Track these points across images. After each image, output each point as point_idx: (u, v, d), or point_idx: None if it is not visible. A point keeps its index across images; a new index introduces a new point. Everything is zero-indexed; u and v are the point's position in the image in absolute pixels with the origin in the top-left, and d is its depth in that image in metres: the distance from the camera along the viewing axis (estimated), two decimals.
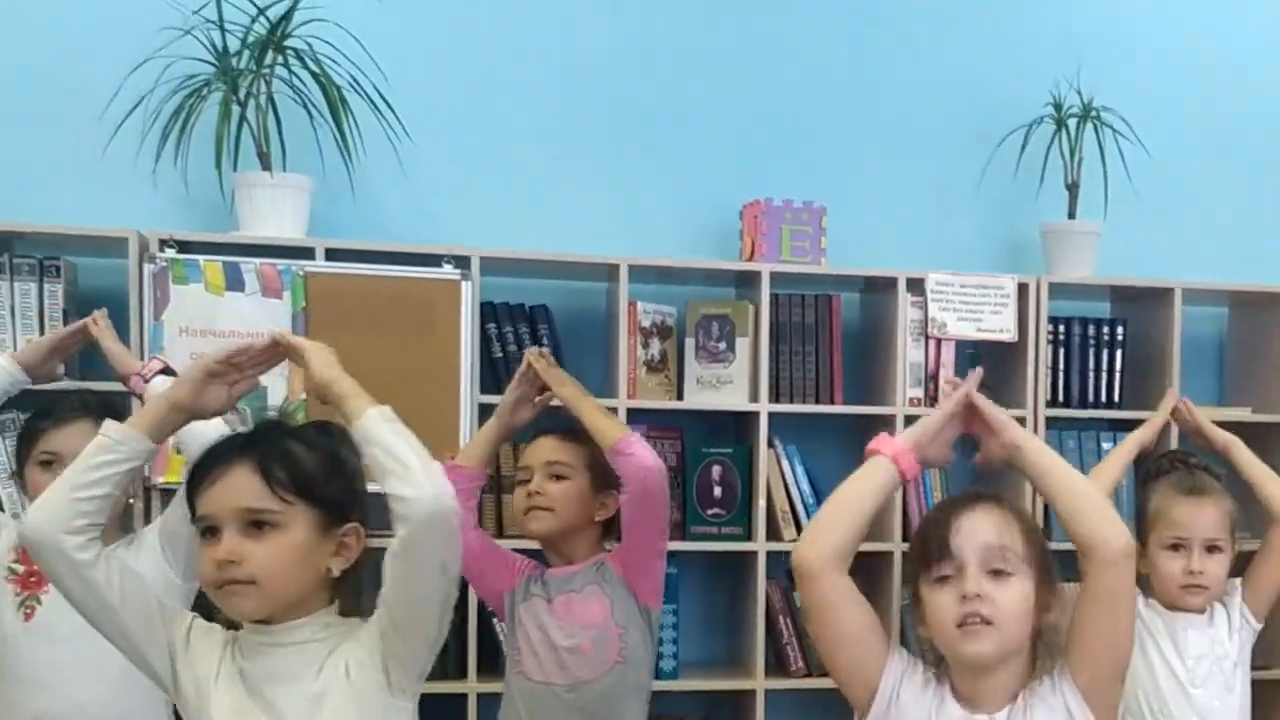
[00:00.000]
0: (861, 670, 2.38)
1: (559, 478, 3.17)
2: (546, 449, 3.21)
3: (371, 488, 2.23)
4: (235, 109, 3.79)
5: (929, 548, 2.38)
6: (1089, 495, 2.38)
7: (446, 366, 3.74)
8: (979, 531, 2.35)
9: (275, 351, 2.33)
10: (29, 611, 2.98)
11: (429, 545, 2.14)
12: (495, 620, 3.72)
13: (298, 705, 2.21)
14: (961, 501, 2.45)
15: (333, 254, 3.81)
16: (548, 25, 4.23)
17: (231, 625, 2.29)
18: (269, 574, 2.18)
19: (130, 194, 3.81)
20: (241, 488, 2.19)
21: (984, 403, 2.45)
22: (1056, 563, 2.42)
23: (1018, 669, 2.37)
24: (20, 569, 2.99)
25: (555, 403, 3.27)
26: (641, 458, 3.09)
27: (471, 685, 3.82)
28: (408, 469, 2.13)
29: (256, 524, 2.18)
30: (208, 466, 2.23)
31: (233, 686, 2.23)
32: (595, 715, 3.12)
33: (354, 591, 2.31)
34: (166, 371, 3.09)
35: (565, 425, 3.25)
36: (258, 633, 2.24)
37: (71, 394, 3.24)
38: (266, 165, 3.82)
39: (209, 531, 2.21)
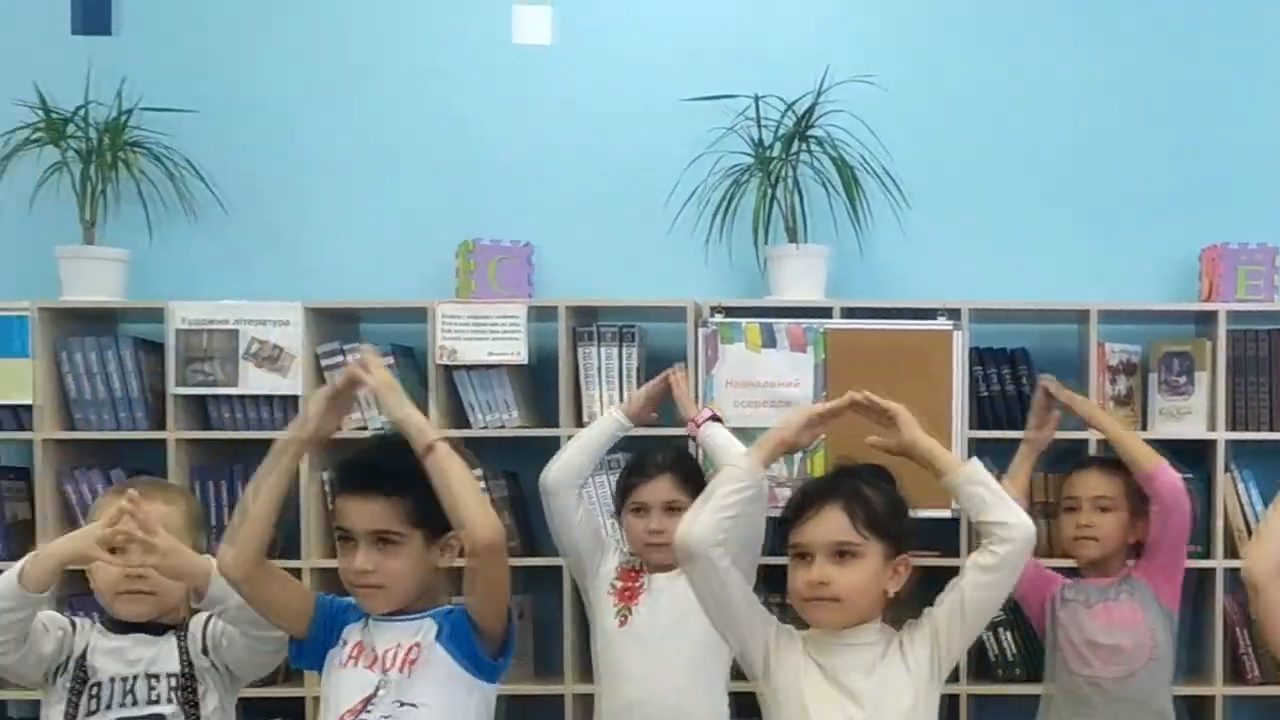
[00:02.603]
0: None
1: (1105, 510, 3.81)
2: (1093, 484, 3.83)
3: None
4: (768, 191, 4.59)
5: None
6: None
7: (940, 407, 4.31)
8: None
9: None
10: (623, 619, 3.65)
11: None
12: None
13: (872, 693, 2.75)
14: None
15: (847, 312, 4.48)
16: (1024, 100, 4.83)
17: None
18: (851, 593, 2.74)
19: (686, 269, 4.68)
20: (833, 523, 2.75)
21: None
22: None
23: None
24: (619, 585, 3.72)
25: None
26: (1175, 481, 3.73)
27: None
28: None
29: (841, 553, 2.75)
30: (805, 504, 2.80)
31: (814, 676, 2.78)
32: (1136, 703, 3.77)
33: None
34: (715, 419, 3.85)
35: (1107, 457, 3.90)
36: (829, 636, 2.79)
37: (656, 449, 3.94)
38: (793, 238, 4.61)
39: (802, 556, 2.78)
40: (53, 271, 4.52)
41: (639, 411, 3.89)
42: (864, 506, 2.76)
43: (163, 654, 3.06)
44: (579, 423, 4.37)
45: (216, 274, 4.69)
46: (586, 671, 4.10)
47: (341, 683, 2.84)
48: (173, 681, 3.04)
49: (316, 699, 4.26)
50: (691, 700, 3.62)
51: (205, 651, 3.07)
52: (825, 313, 4.51)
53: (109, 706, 3.01)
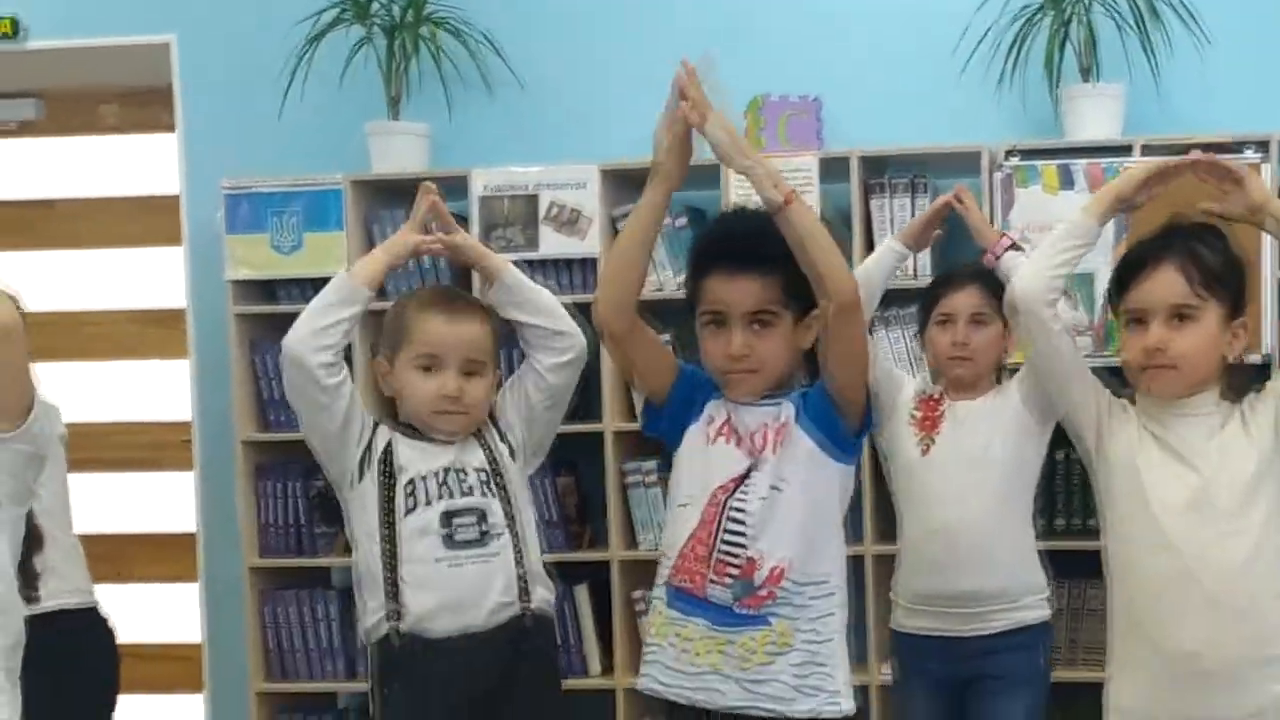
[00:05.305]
0: None
1: None
2: None
3: None
4: (1060, 29, 4.48)
5: None
6: None
7: (1250, 244, 3.72)
8: None
9: None
10: (926, 448, 3.59)
11: None
12: None
13: (1209, 458, 2.70)
14: None
15: (1147, 149, 4.32)
16: None
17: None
18: (1187, 359, 2.67)
19: (978, 114, 4.62)
20: (1168, 284, 2.67)
21: None
22: None
23: None
24: (918, 414, 3.64)
25: None
26: None
27: None
28: None
29: (1179, 316, 2.66)
30: (1137, 265, 2.72)
31: (1149, 447, 2.73)
32: None
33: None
34: (1014, 246, 3.72)
35: None
36: (1165, 405, 2.73)
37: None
38: (1087, 77, 4.51)
39: (1138, 322, 2.71)
40: (362, 146, 4.72)
41: (919, 236, 3.84)
42: (1200, 265, 2.66)
43: (466, 450, 3.06)
44: None
45: (512, 145, 4.80)
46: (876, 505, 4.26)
47: (711, 458, 2.78)
48: (482, 475, 3.03)
49: (621, 562, 4.52)
50: (999, 525, 3.55)
51: (503, 437, 3.09)
52: (1124, 151, 4.41)
53: (429, 502, 3.00)
